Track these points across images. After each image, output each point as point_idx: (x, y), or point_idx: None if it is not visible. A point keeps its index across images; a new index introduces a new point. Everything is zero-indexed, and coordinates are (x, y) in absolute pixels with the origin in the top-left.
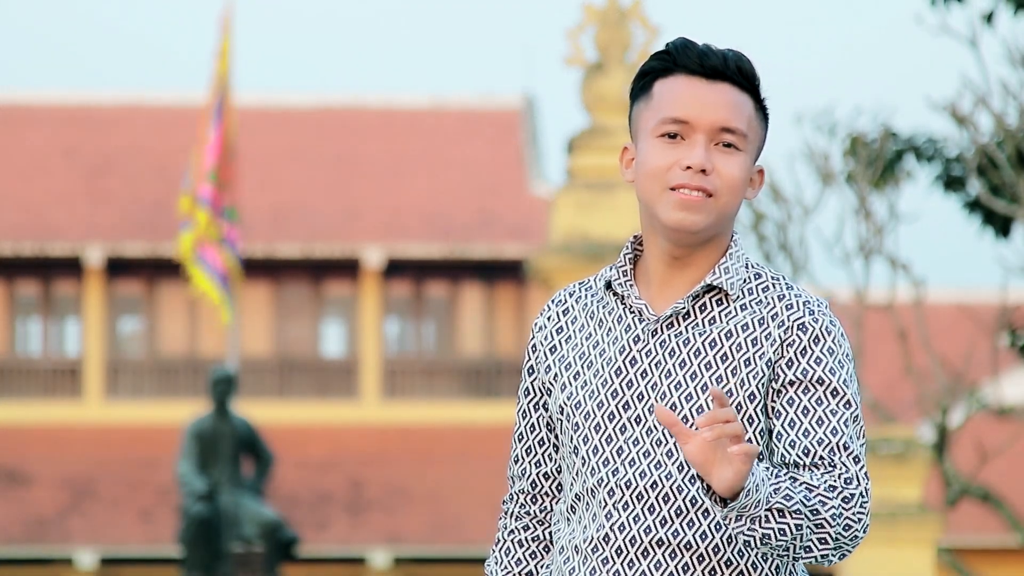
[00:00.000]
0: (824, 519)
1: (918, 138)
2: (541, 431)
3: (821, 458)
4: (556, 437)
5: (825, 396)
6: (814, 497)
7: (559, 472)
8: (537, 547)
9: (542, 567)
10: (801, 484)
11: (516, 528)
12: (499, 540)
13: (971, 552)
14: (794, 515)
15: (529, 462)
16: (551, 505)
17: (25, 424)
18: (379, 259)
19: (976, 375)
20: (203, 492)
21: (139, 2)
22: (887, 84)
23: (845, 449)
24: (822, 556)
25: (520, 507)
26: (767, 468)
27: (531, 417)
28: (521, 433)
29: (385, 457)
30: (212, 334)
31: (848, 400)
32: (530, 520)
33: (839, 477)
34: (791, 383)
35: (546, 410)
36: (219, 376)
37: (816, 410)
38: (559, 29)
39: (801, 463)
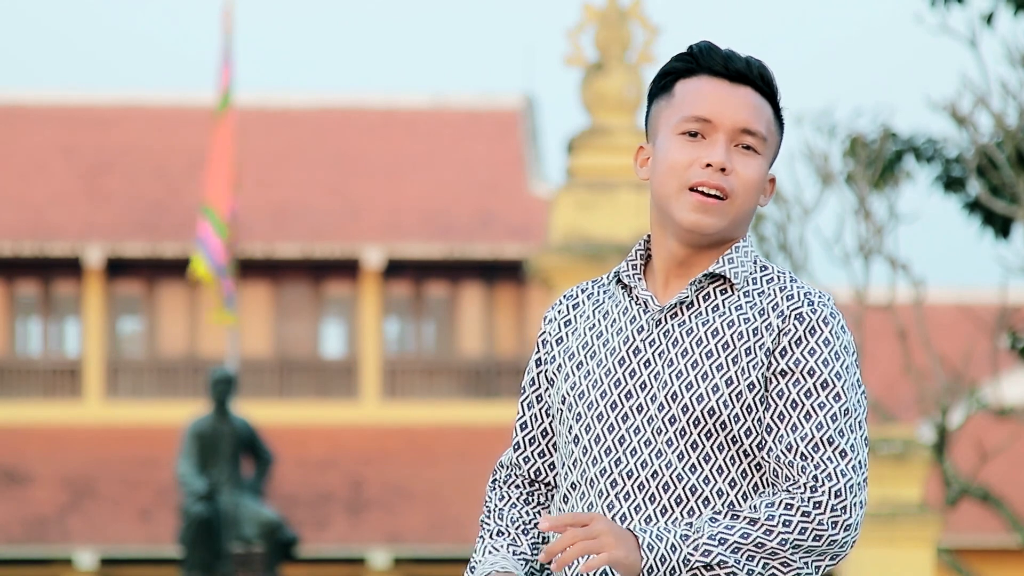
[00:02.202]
0: (773, 548)
1: (918, 138)
2: (545, 421)
3: (802, 455)
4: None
5: (815, 389)
6: (757, 530)
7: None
8: (539, 510)
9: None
10: (742, 520)
11: (512, 493)
12: (504, 496)
13: (971, 552)
14: (722, 566)
15: (532, 451)
16: (548, 495)
17: (25, 424)
18: (379, 259)
19: (976, 375)
20: (203, 492)
21: (139, 1)
22: (887, 84)
23: (830, 444)
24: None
25: (519, 478)
26: (688, 525)
27: (536, 407)
28: (525, 422)
29: (385, 457)
30: (212, 334)
31: (838, 393)
32: (531, 490)
33: (804, 486)
34: (782, 373)
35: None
36: (219, 376)
37: (804, 404)
38: (559, 29)
39: (783, 459)
